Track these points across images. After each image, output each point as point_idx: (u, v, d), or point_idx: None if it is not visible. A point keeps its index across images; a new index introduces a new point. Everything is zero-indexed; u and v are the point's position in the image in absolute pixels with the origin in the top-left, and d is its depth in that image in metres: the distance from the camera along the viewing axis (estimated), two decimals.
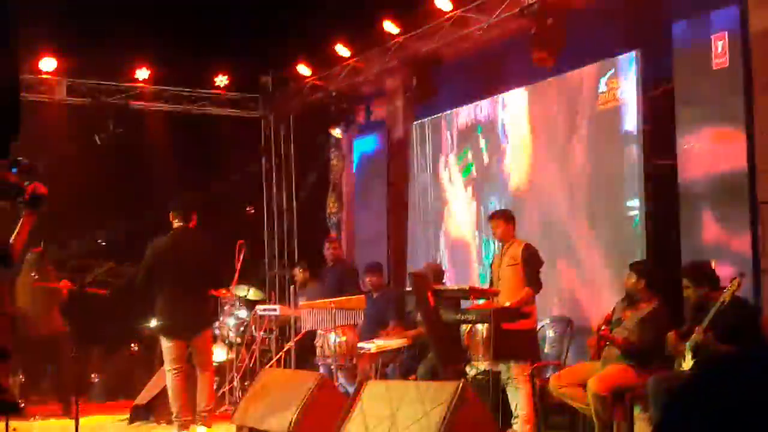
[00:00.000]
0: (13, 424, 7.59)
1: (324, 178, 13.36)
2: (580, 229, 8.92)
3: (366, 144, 12.65)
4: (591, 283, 8.71)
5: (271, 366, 9.10)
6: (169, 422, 7.95)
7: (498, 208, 8.56)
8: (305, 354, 8.93)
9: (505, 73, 9.95)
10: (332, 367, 8.51)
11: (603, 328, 6.63)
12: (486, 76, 10.30)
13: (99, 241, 7.12)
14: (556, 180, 9.20)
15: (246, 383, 9.11)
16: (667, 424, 1.48)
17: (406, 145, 11.74)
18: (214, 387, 8.19)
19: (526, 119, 9.68)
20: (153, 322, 8.09)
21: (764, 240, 7.10)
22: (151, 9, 10.98)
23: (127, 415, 8.95)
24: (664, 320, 6.47)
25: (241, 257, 9.21)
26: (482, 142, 10.28)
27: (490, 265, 7.81)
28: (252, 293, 10.58)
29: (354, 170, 12.90)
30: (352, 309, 8.45)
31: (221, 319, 9.90)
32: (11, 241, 4.91)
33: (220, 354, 9.65)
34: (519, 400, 7.06)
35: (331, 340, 8.38)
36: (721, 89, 7.58)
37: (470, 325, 6.96)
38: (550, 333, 8.09)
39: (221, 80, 12.88)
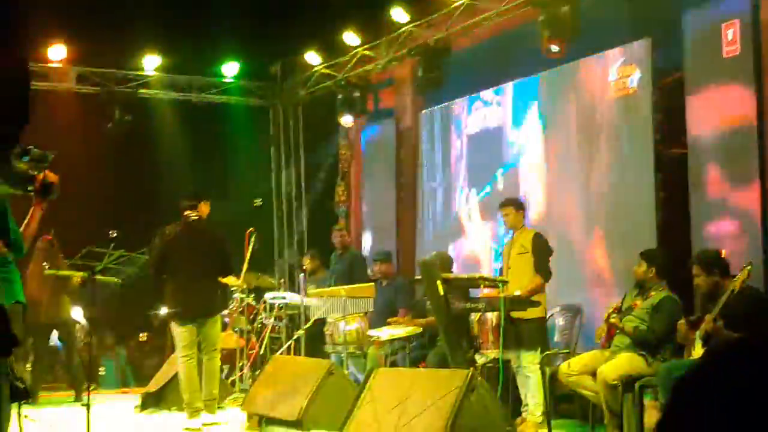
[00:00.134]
0: (25, 410, 7.62)
1: (333, 166, 13.36)
2: (590, 220, 8.91)
3: (375, 132, 12.64)
4: (601, 272, 8.70)
5: (281, 353, 9.12)
6: (180, 409, 7.99)
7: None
8: (315, 342, 8.94)
9: (515, 62, 9.92)
10: (342, 354, 8.52)
11: (614, 316, 6.62)
12: (496, 64, 10.27)
13: (109, 231, 7.10)
14: (569, 172, 9.18)
15: (256, 371, 9.12)
16: (676, 408, 1.48)
17: (414, 133, 11.72)
18: (223, 375, 8.19)
19: (537, 113, 9.65)
20: (164, 310, 8.13)
21: None
22: None
23: (139, 402, 8.99)
24: (674, 309, 6.46)
25: (251, 245, 9.21)
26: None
27: (501, 254, 7.80)
28: (262, 281, 10.59)
29: (363, 159, 12.90)
30: (362, 297, 8.47)
31: (231, 306, 9.92)
32: (21, 229, 4.92)
33: (229, 342, 9.67)
34: (529, 388, 7.07)
35: (341, 327, 8.38)
36: (731, 77, 7.55)
37: (480, 314, 6.96)
38: (560, 321, 8.08)
39: (231, 68, 12.86)
